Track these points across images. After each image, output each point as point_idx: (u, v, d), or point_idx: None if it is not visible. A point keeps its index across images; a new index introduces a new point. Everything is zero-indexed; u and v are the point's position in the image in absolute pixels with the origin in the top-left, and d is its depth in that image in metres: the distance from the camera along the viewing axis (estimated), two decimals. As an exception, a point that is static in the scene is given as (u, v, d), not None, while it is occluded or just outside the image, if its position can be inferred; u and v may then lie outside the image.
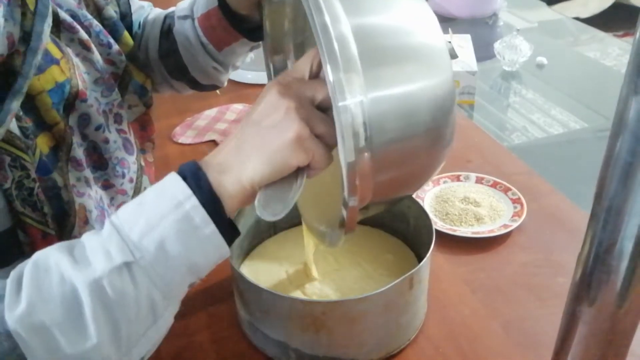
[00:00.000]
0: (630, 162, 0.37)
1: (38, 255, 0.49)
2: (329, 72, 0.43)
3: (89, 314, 0.46)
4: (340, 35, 0.44)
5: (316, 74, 0.52)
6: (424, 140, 0.48)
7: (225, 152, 0.51)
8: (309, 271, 0.75)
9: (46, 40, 0.57)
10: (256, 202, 0.49)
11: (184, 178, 0.49)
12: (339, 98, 0.43)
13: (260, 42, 0.76)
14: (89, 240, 0.49)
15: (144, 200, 0.50)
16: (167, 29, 0.78)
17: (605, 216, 0.40)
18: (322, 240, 0.62)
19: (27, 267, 0.48)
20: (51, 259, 0.48)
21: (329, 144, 0.50)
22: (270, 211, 0.48)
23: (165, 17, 0.79)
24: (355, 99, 0.44)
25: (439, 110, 0.48)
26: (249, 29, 0.71)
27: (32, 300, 0.46)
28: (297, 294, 0.73)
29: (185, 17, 0.75)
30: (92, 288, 0.46)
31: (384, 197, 0.53)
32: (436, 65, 0.48)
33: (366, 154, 0.45)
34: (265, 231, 0.83)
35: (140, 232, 0.48)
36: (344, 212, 0.48)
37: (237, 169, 0.49)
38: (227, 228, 0.50)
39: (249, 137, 0.50)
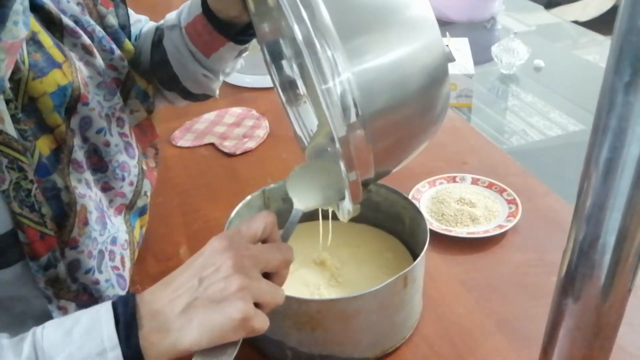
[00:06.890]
0: (610, 158, 0.38)
1: None
2: (307, 57, 0.43)
3: None
4: (319, 21, 0.43)
5: (268, 233, 0.55)
6: (416, 104, 0.48)
7: (169, 304, 0.51)
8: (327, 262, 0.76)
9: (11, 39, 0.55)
10: None
11: (117, 321, 0.49)
12: (322, 81, 0.43)
13: (248, 48, 0.78)
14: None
15: (73, 331, 0.49)
16: (157, 40, 0.79)
17: (588, 211, 0.41)
18: (338, 213, 0.64)
19: None
20: None
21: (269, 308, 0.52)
22: None
23: (156, 29, 0.81)
24: (339, 78, 0.43)
25: (428, 73, 0.47)
26: (234, 33, 0.72)
27: None
28: (299, 293, 0.73)
29: (173, 27, 0.77)
30: None
31: (386, 167, 0.53)
32: (421, 29, 0.47)
33: (359, 129, 0.45)
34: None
35: None
36: (346, 187, 0.50)
37: (175, 334, 0.50)
38: None
39: (197, 302, 0.50)
